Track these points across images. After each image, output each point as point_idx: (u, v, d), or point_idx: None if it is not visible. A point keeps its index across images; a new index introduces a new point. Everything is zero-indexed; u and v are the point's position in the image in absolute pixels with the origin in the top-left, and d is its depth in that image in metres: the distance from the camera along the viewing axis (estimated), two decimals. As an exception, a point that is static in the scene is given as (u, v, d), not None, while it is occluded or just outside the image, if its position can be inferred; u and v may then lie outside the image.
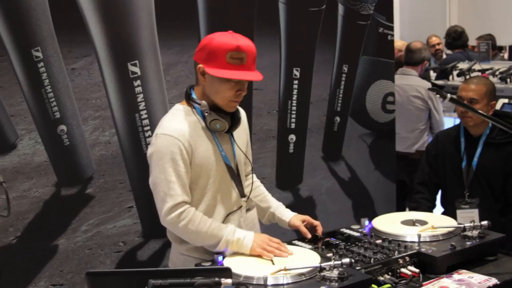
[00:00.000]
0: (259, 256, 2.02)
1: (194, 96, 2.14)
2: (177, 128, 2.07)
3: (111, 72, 2.83)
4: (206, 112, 2.08)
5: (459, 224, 2.26)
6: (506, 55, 7.16)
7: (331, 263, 1.85)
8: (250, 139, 2.37)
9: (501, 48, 7.16)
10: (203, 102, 2.09)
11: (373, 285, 1.89)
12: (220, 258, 1.99)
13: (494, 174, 2.89)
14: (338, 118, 3.74)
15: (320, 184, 3.68)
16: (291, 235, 2.63)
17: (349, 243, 2.17)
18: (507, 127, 2.29)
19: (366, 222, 2.31)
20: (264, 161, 3.37)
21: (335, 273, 1.82)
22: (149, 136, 2.94)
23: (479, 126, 2.90)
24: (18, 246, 2.67)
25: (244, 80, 2.07)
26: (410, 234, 2.18)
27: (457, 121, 3.22)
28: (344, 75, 3.72)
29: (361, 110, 3.87)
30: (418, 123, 4.31)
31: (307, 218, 2.28)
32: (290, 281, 1.81)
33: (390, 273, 1.98)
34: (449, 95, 2.29)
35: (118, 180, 2.91)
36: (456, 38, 6.41)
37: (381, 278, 1.94)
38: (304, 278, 1.83)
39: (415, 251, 2.06)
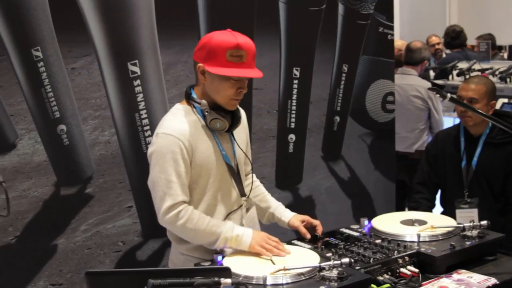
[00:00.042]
0: (258, 254, 2.02)
1: (194, 95, 2.14)
2: (177, 127, 2.07)
3: (111, 71, 2.83)
4: (207, 111, 2.08)
5: (458, 224, 2.26)
6: (505, 55, 7.15)
7: (331, 263, 1.85)
8: (250, 139, 2.37)
9: (500, 48, 7.16)
10: (203, 101, 2.09)
11: (372, 285, 1.89)
12: (219, 258, 1.99)
13: (494, 174, 2.89)
14: (337, 118, 3.74)
15: (319, 184, 3.68)
16: (291, 235, 2.63)
17: (348, 243, 2.17)
18: (507, 127, 2.29)
19: (366, 222, 2.31)
20: (263, 161, 3.37)
21: (334, 273, 1.82)
22: (149, 136, 2.94)
23: (479, 126, 2.90)
24: (18, 245, 2.67)
25: (245, 77, 2.07)
26: (409, 234, 2.18)
27: (457, 120, 3.22)
28: (344, 75, 3.71)
29: (361, 109, 3.87)
30: (418, 123, 4.31)
31: (306, 218, 2.28)
32: (289, 281, 1.81)
33: (389, 273, 1.98)
34: (449, 95, 2.29)
35: (118, 179, 2.91)
36: (454, 37, 6.40)
37: (381, 278, 1.94)
38: (304, 278, 1.83)
39: (414, 251, 2.06)
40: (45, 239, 2.74)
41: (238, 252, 2.07)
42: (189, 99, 2.16)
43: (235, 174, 2.19)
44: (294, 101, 3.51)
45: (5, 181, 1.87)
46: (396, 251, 2.04)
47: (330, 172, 3.73)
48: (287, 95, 3.48)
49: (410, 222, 2.31)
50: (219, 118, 2.08)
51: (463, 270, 2.05)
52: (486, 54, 5.56)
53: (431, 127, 4.35)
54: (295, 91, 3.50)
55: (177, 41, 3.01)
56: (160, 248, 3.01)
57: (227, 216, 2.17)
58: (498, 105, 4.11)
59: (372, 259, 1.98)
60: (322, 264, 1.86)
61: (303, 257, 1.98)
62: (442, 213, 3.04)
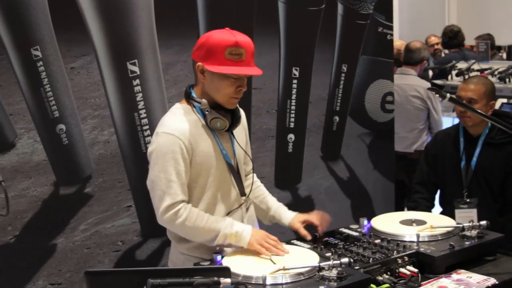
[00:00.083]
0: (257, 254, 2.02)
1: (194, 95, 2.14)
2: (178, 126, 2.07)
3: (110, 71, 2.83)
4: (207, 111, 2.08)
5: (458, 224, 2.26)
6: (504, 55, 7.15)
7: (330, 262, 1.85)
8: (249, 139, 2.37)
9: (499, 48, 7.16)
10: (204, 100, 2.09)
11: (372, 285, 1.89)
12: (219, 257, 1.99)
13: (493, 174, 2.89)
14: (337, 118, 3.74)
15: (319, 183, 3.68)
16: (290, 235, 2.62)
17: (348, 243, 2.17)
18: (507, 127, 2.29)
19: (365, 222, 2.31)
20: (263, 161, 3.37)
21: (334, 272, 1.82)
22: (148, 135, 2.94)
23: (478, 126, 2.90)
24: (17, 245, 2.67)
25: (245, 75, 2.07)
26: (409, 234, 2.18)
27: (456, 120, 3.22)
28: (343, 75, 3.71)
29: (360, 109, 3.87)
30: (417, 123, 4.31)
31: (306, 218, 2.28)
32: (289, 281, 1.81)
33: (389, 272, 1.97)
34: (448, 95, 2.29)
35: (117, 179, 2.91)
36: (452, 37, 6.38)
37: (380, 278, 1.94)
38: (303, 278, 1.83)
39: (414, 251, 2.06)
40: (44, 238, 2.74)
41: (237, 251, 2.07)
42: (189, 99, 2.15)
43: (235, 173, 2.19)
44: (294, 101, 3.51)
45: (4, 180, 1.87)
46: (395, 251, 2.04)
47: (329, 172, 3.73)
48: (286, 94, 3.48)
49: (409, 222, 2.30)
50: (220, 117, 2.08)
51: (463, 270, 2.05)
52: (485, 54, 5.55)
53: (430, 127, 4.35)
54: (294, 90, 3.50)
55: (176, 41, 3.01)
56: (159, 247, 3.01)
57: (227, 215, 2.16)
58: (497, 105, 4.11)
59: (371, 259, 1.98)
60: (321, 264, 1.86)
61: (303, 257, 1.98)
62: (442, 213, 3.03)
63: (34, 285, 2.72)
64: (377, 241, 2.13)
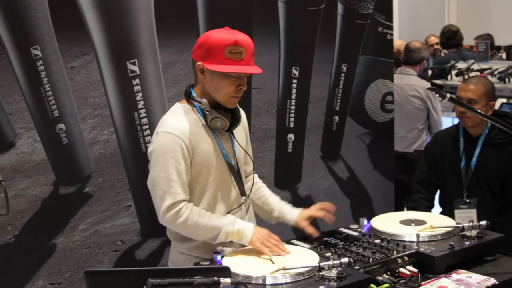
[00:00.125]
0: (257, 254, 2.02)
1: (194, 94, 2.14)
2: (178, 126, 2.07)
3: (110, 70, 2.83)
4: (207, 110, 2.08)
5: (457, 224, 2.26)
6: (504, 55, 7.15)
7: (330, 262, 1.85)
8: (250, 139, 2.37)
9: (499, 48, 7.16)
10: (204, 100, 2.09)
11: (372, 285, 1.88)
12: (218, 257, 1.99)
13: (493, 174, 2.89)
14: (337, 118, 3.74)
15: (318, 183, 3.68)
16: (290, 235, 2.63)
17: (347, 243, 2.17)
18: (507, 127, 2.29)
19: (365, 222, 2.31)
20: (262, 160, 3.37)
21: (333, 272, 1.82)
22: (148, 135, 2.94)
23: (478, 126, 2.90)
24: (16, 244, 2.66)
25: (245, 73, 2.07)
26: (408, 234, 2.18)
27: (456, 120, 3.22)
28: (343, 75, 3.71)
29: (360, 109, 3.87)
30: (416, 123, 4.31)
31: (310, 214, 2.28)
32: (288, 281, 1.81)
33: (388, 272, 1.97)
34: (448, 95, 2.29)
35: (117, 178, 2.91)
36: (450, 37, 6.37)
37: (380, 278, 1.94)
38: (303, 278, 1.83)
39: (413, 251, 2.06)
40: (44, 238, 2.74)
41: (237, 251, 2.07)
42: (189, 98, 2.15)
43: (235, 173, 2.19)
44: (293, 101, 3.51)
45: (4, 180, 1.86)
46: (395, 251, 2.04)
47: (329, 172, 3.73)
48: (286, 94, 3.48)
49: (409, 222, 2.30)
50: (220, 117, 2.08)
51: (462, 270, 2.05)
52: (485, 54, 5.55)
53: (430, 127, 4.35)
54: (294, 90, 3.50)
55: (176, 40, 3.01)
56: (159, 247, 3.01)
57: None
58: (497, 105, 4.11)
59: (371, 259, 1.98)
60: (321, 264, 1.86)
61: (303, 257, 1.98)
62: (441, 213, 3.03)
63: (33, 285, 2.72)
64: (377, 241, 2.13)
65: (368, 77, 3.86)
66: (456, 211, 2.83)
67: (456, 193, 2.92)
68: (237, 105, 2.17)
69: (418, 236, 2.14)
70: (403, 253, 2.03)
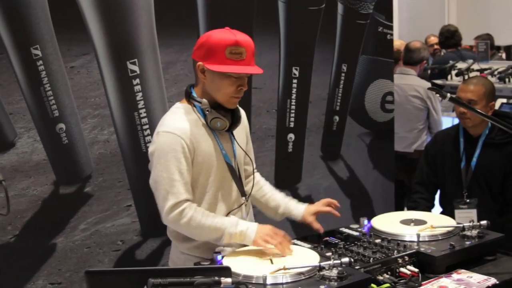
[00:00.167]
0: (258, 254, 2.01)
1: (194, 94, 2.14)
2: (179, 126, 2.07)
3: (110, 70, 2.83)
4: (207, 110, 2.08)
5: (458, 223, 2.26)
6: (504, 55, 7.15)
7: (331, 262, 1.84)
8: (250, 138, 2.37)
9: (499, 48, 7.15)
10: (204, 100, 2.09)
11: (372, 285, 1.88)
12: (219, 257, 1.98)
13: (493, 175, 2.89)
14: (337, 117, 3.74)
15: (318, 183, 3.68)
16: (290, 235, 2.62)
17: (348, 243, 2.16)
18: (507, 127, 2.29)
19: (365, 222, 2.31)
20: (262, 160, 3.37)
21: (334, 272, 1.82)
22: (148, 135, 2.94)
23: (478, 127, 2.90)
24: (17, 244, 2.66)
25: (245, 74, 2.07)
26: (409, 234, 2.18)
27: (456, 120, 3.22)
28: (343, 74, 3.71)
29: (360, 109, 3.87)
30: (416, 123, 4.31)
31: (317, 209, 2.28)
32: (289, 280, 1.81)
33: (389, 272, 1.97)
34: (449, 95, 2.29)
35: (117, 178, 2.91)
36: (448, 37, 6.35)
37: (380, 278, 1.94)
38: (303, 277, 1.83)
39: (414, 250, 2.06)
40: (44, 238, 2.74)
41: (237, 251, 2.07)
42: (189, 98, 2.15)
43: (235, 173, 2.19)
44: (293, 101, 3.51)
45: (5, 180, 1.86)
46: (395, 251, 2.04)
47: (329, 172, 3.73)
48: (286, 94, 3.48)
49: (409, 222, 2.30)
50: (220, 117, 2.08)
51: (463, 270, 2.05)
52: (485, 54, 5.54)
53: (430, 127, 4.35)
54: (294, 90, 3.50)
55: (176, 40, 3.01)
56: (159, 247, 3.01)
57: (227, 215, 2.16)
58: (497, 105, 4.11)
59: (372, 258, 1.98)
60: (322, 264, 1.85)
61: (303, 257, 1.98)
62: (442, 213, 3.03)
63: (34, 285, 2.72)
64: (378, 240, 2.13)
65: (368, 77, 3.86)
66: (456, 211, 2.83)
67: (456, 193, 2.92)
68: (237, 105, 2.17)
69: (418, 236, 2.14)
70: (404, 253, 2.02)
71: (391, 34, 3.91)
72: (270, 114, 3.43)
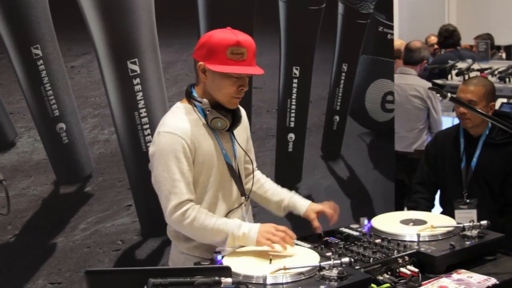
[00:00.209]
0: (257, 254, 2.01)
1: (195, 94, 2.14)
2: (179, 126, 2.07)
3: (111, 70, 2.83)
4: (208, 110, 2.08)
5: (458, 223, 2.26)
6: (504, 55, 7.15)
7: (331, 262, 1.84)
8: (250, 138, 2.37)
9: (499, 48, 7.15)
10: (205, 100, 2.09)
11: (372, 285, 1.88)
12: (219, 257, 1.98)
13: (493, 175, 2.89)
14: (337, 117, 3.74)
15: (319, 183, 3.68)
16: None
17: (348, 242, 2.16)
18: (507, 127, 2.29)
19: (365, 222, 2.31)
20: (263, 160, 3.37)
21: (334, 272, 1.82)
22: (148, 135, 2.94)
23: (478, 127, 2.90)
24: (17, 244, 2.66)
25: (246, 74, 2.07)
26: (409, 234, 2.18)
27: (456, 120, 3.22)
28: (343, 74, 3.71)
29: (361, 109, 3.87)
30: (417, 123, 4.32)
31: (321, 209, 2.28)
32: (289, 280, 1.81)
33: (389, 272, 1.97)
34: (449, 95, 2.29)
35: (117, 178, 2.91)
36: (447, 37, 6.34)
37: (381, 278, 1.94)
38: (304, 277, 1.83)
39: (414, 250, 2.06)
40: (44, 237, 2.74)
41: (237, 251, 2.07)
42: (190, 98, 2.15)
43: (235, 173, 2.19)
44: (294, 100, 3.51)
45: (5, 179, 1.87)
46: (396, 251, 2.04)
47: (329, 172, 3.73)
48: (286, 94, 3.48)
49: (409, 222, 2.30)
50: (220, 117, 2.08)
51: (463, 270, 2.05)
52: (485, 54, 5.54)
53: (430, 127, 4.35)
54: (294, 90, 3.50)
55: (176, 40, 3.01)
56: (159, 247, 3.01)
57: (227, 215, 2.16)
58: (497, 105, 4.11)
59: (372, 258, 1.98)
60: (322, 264, 1.85)
61: (303, 257, 1.98)
62: (442, 213, 3.03)
63: (34, 284, 2.72)
64: (378, 240, 2.13)
65: (369, 76, 3.86)
66: (456, 212, 2.82)
67: (457, 194, 2.92)
68: (238, 105, 2.17)
69: (418, 236, 2.14)
70: (404, 253, 2.02)
71: (392, 34, 3.91)
72: (270, 113, 3.43)
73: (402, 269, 1.99)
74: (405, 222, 2.31)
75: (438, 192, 3.13)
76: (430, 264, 2.02)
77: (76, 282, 2.79)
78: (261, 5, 3.24)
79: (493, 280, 1.96)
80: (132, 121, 2.91)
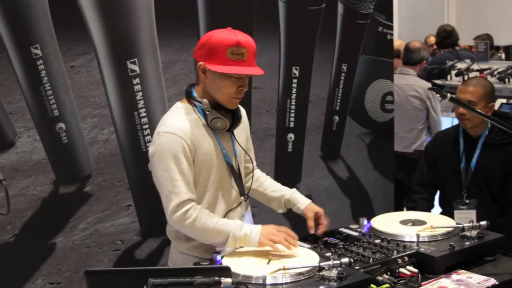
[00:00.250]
0: (257, 254, 2.01)
1: (195, 94, 2.14)
2: (179, 125, 2.07)
3: (110, 70, 2.83)
4: (208, 110, 2.08)
5: (458, 224, 2.26)
6: (503, 55, 7.15)
7: (330, 262, 1.84)
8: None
9: (498, 48, 7.15)
10: (205, 100, 2.09)
11: (372, 285, 1.88)
12: (218, 257, 1.98)
13: (493, 175, 2.89)
14: (337, 117, 3.74)
15: (318, 183, 3.68)
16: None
17: (348, 243, 2.16)
18: (507, 127, 2.29)
19: (365, 222, 2.31)
20: (262, 160, 3.37)
21: (334, 272, 1.82)
22: (148, 135, 2.94)
23: (478, 127, 2.90)
24: (16, 244, 2.66)
25: (246, 75, 2.07)
26: (409, 234, 2.18)
27: (455, 121, 3.22)
28: (343, 74, 3.71)
29: (360, 109, 3.87)
30: (416, 123, 4.32)
31: (319, 211, 2.28)
32: (289, 281, 1.81)
33: (389, 273, 1.97)
34: (449, 95, 2.29)
35: (117, 178, 2.91)
36: (445, 37, 6.33)
37: (380, 278, 1.94)
38: (303, 278, 1.83)
39: (414, 251, 2.06)
40: (44, 237, 2.74)
41: (237, 251, 2.07)
42: (190, 98, 2.15)
43: (235, 173, 2.19)
44: (293, 100, 3.51)
45: (5, 179, 1.86)
46: (395, 251, 2.04)
47: (329, 172, 3.73)
48: (286, 94, 3.48)
49: (409, 222, 2.30)
50: (220, 117, 2.08)
51: (462, 271, 2.05)
52: (485, 54, 5.54)
53: (430, 127, 4.35)
54: (294, 90, 3.50)
55: (176, 40, 3.01)
56: (159, 246, 3.00)
57: (226, 214, 2.16)
58: (496, 106, 4.11)
59: (371, 259, 1.98)
60: (321, 264, 1.85)
61: (303, 257, 1.98)
62: (441, 213, 3.03)
63: (33, 284, 2.71)
64: (377, 241, 2.13)
65: (368, 77, 3.86)
66: (456, 212, 2.82)
67: (456, 194, 2.92)
68: (238, 105, 2.17)
69: (418, 236, 2.14)
70: (403, 253, 2.02)
71: (391, 34, 3.91)
72: (270, 114, 3.43)
73: (402, 270, 1.99)
74: (405, 222, 2.31)
75: (438, 193, 3.13)
76: (429, 264, 2.03)
77: (75, 282, 2.79)
78: (261, 5, 3.24)
79: (492, 281, 1.97)
80: (132, 121, 2.91)
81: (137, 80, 2.89)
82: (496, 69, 4.85)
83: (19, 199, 2.65)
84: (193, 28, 3.04)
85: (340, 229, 2.30)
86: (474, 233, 2.18)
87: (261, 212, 2.52)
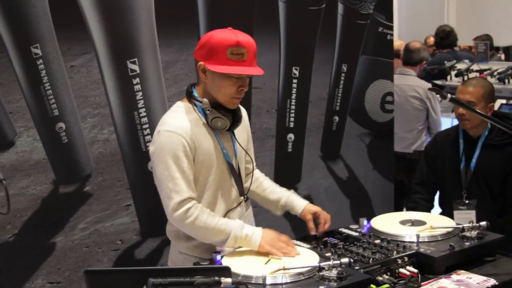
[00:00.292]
0: (257, 253, 2.01)
1: (195, 94, 2.14)
2: (179, 124, 2.07)
3: (110, 69, 2.83)
4: (208, 110, 2.08)
5: (457, 224, 2.26)
6: (502, 56, 7.15)
7: (330, 262, 1.84)
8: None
9: (498, 49, 7.15)
10: (205, 100, 2.09)
11: (371, 285, 1.89)
12: (218, 257, 1.98)
13: (493, 176, 2.89)
14: (336, 118, 3.74)
15: (318, 183, 3.68)
16: (290, 235, 2.62)
17: (347, 243, 2.17)
18: (507, 127, 2.29)
19: (365, 222, 2.31)
20: (262, 160, 3.37)
21: (334, 272, 1.82)
22: (148, 134, 2.94)
23: (477, 128, 2.90)
24: (16, 243, 2.66)
25: (246, 75, 2.07)
26: (408, 234, 2.18)
27: (455, 121, 3.22)
28: (343, 75, 3.72)
29: (360, 109, 3.87)
30: (416, 123, 4.32)
31: (317, 210, 2.28)
32: (288, 281, 1.81)
33: (388, 273, 1.97)
34: (449, 95, 2.29)
35: (116, 178, 2.91)
36: (444, 37, 6.32)
37: (380, 278, 1.94)
38: (303, 278, 1.83)
39: (413, 251, 2.06)
40: (43, 237, 2.73)
41: (236, 251, 2.07)
42: (190, 97, 2.15)
43: (235, 172, 2.19)
44: (293, 101, 3.51)
45: (5, 179, 1.86)
46: (395, 251, 2.04)
47: (328, 172, 3.73)
48: (286, 94, 3.48)
49: (409, 222, 2.30)
50: (220, 117, 2.08)
51: (462, 271, 2.05)
52: (485, 55, 5.54)
53: (429, 128, 4.35)
54: (294, 90, 3.50)
55: (176, 40, 3.00)
56: (159, 246, 3.00)
57: (226, 214, 2.16)
58: (496, 106, 4.11)
59: (371, 259, 1.98)
60: (321, 264, 1.85)
61: (303, 257, 1.98)
62: (441, 214, 3.03)
63: (33, 284, 2.71)
64: (377, 241, 2.13)
65: (368, 77, 3.86)
66: (455, 212, 2.82)
67: (456, 194, 2.92)
68: (239, 104, 2.17)
69: (418, 236, 2.14)
70: (403, 254, 2.03)
71: (391, 35, 3.91)
72: (270, 114, 3.43)
73: (402, 270, 1.99)
74: (405, 222, 2.31)
75: (438, 193, 3.13)
76: (429, 264, 2.03)
77: (75, 282, 2.79)
78: (261, 5, 3.24)
79: (492, 281, 1.97)
80: (132, 121, 2.91)
81: (137, 80, 2.89)
82: (496, 70, 4.86)
83: (19, 198, 2.65)
84: (193, 28, 3.04)
85: (340, 229, 2.31)
86: (474, 233, 2.18)
87: (261, 212, 2.52)
